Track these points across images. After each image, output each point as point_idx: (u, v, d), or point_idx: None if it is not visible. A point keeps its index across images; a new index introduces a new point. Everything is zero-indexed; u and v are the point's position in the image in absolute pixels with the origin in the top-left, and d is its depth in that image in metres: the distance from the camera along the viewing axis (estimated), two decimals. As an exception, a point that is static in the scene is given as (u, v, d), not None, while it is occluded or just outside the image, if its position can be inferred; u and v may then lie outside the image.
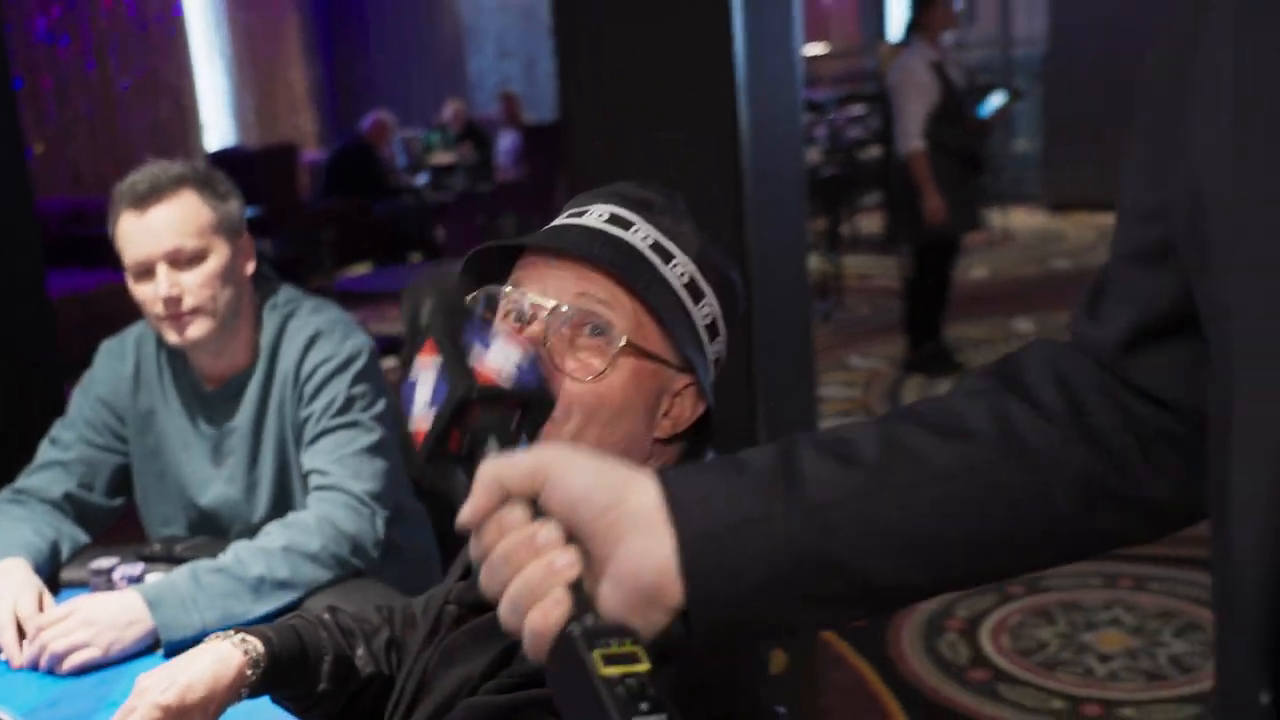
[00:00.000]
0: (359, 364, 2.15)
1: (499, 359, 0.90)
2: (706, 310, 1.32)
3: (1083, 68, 9.98)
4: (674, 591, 0.79)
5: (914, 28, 6.06)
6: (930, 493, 0.83)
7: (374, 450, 2.10)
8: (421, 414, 0.90)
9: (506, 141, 9.91)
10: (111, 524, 2.29)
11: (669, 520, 0.80)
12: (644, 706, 0.71)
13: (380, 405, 2.17)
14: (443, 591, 1.39)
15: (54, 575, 2.01)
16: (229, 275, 2.12)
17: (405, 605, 1.64)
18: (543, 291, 1.25)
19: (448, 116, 10.91)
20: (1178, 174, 0.80)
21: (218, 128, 10.93)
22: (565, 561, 0.79)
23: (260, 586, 1.88)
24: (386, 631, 1.58)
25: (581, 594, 0.79)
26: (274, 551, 1.91)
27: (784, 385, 3.83)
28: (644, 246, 1.29)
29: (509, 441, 0.88)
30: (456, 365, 0.89)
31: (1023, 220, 10.21)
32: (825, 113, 9.21)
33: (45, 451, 2.23)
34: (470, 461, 0.87)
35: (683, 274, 1.30)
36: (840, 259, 8.12)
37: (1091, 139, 9.22)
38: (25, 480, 2.19)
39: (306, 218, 8.50)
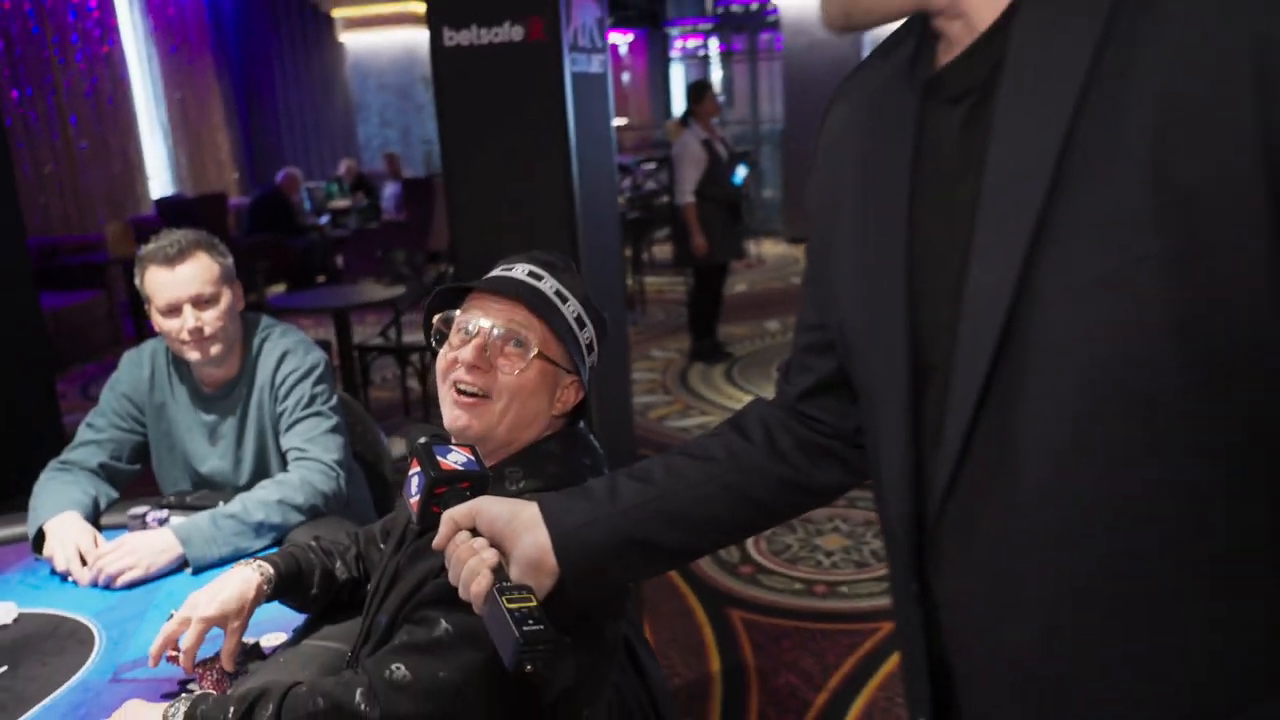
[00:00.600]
0: (318, 371, 2.20)
1: (456, 458, 1.10)
2: (587, 335, 1.44)
3: (807, 137, 10.26)
4: (551, 564, 1.00)
5: (690, 114, 6.17)
6: (691, 494, 1.04)
7: (333, 430, 2.15)
8: (413, 498, 1.10)
9: (390, 190, 9.79)
10: (131, 484, 2.28)
11: (545, 524, 1.01)
12: (530, 621, 0.93)
13: (334, 399, 2.21)
14: (403, 518, 1.47)
15: (95, 521, 2.02)
16: (232, 312, 2.15)
17: (365, 530, 1.73)
18: (485, 317, 1.36)
19: (342, 171, 10.71)
20: (830, 308, 0.95)
21: (159, 180, 10.51)
22: (489, 554, 1.00)
23: (260, 528, 1.93)
24: (354, 549, 1.69)
25: (502, 571, 0.99)
26: (270, 503, 1.96)
27: (610, 370, 3.94)
28: (550, 292, 1.40)
29: (464, 501, 1.07)
30: (429, 465, 1.07)
31: (770, 248, 10.40)
32: (629, 171, 9.34)
33: (83, 433, 2.22)
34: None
35: (573, 311, 1.42)
36: (643, 278, 8.22)
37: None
38: (68, 454, 2.18)
39: (237, 251, 8.32)
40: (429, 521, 1.08)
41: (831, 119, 0.98)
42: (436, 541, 1.05)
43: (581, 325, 1.44)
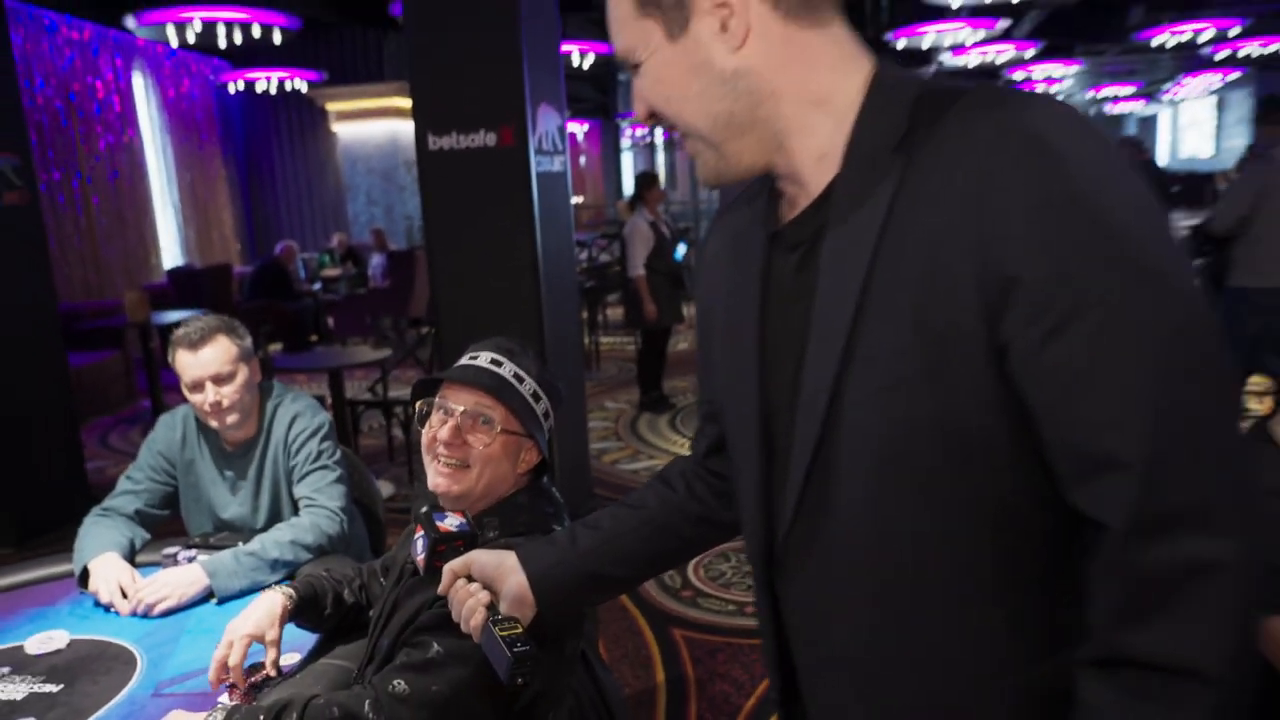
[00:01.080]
0: (324, 431, 2.27)
1: (451, 522, 1.26)
2: (543, 406, 1.53)
3: None
4: (530, 599, 1.15)
5: (638, 199, 6.32)
6: (632, 535, 1.18)
7: (337, 481, 2.22)
8: (419, 556, 1.26)
9: (376, 261, 9.84)
10: (161, 526, 2.32)
11: (523, 568, 1.16)
12: (519, 644, 1.07)
13: (338, 454, 2.28)
14: (401, 555, 1.57)
15: (132, 560, 2.07)
16: (248, 386, 2.22)
17: (367, 565, 1.81)
18: (457, 402, 1.47)
19: (334, 244, 10.76)
20: (712, 385, 1.08)
21: (170, 253, 10.49)
22: (483, 595, 1.15)
23: (275, 564, 2.00)
24: (359, 580, 1.77)
25: (494, 607, 1.15)
26: (284, 543, 2.03)
27: (569, 419, 4.06)
28: (509, 376, 1.50)
29: (459, 555, 1.22)
30: (431, 529, 1.24)
31: None
32: (586, 245, 9.50)
33: (122, 484, 2.27)
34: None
35: (530, 389, 1.51)
36: (598, 338, 8.32)
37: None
38: (109, 502, 2.24)
39: (239, 314, 8.32)
40: (433, 573, 1.23)
41: (708, 248, 1.09)
42: (440, 589, 1.20)
43: (537, 399, 1.53)
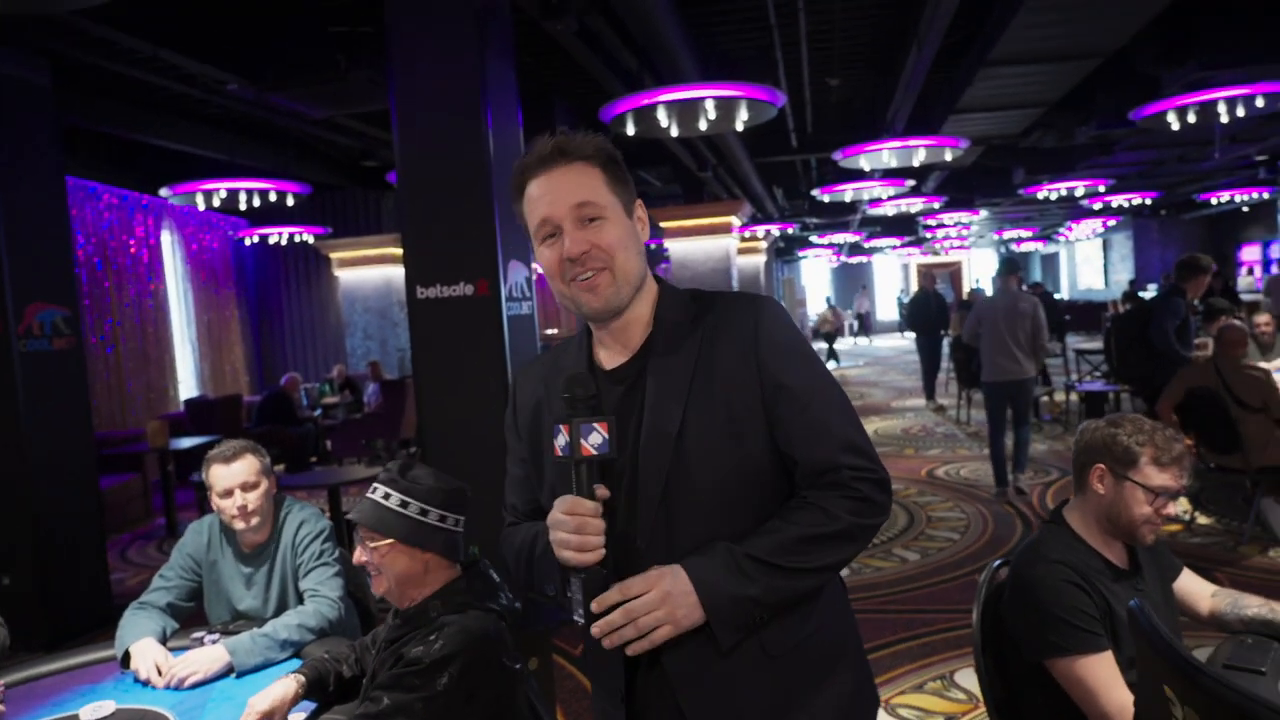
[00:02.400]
0: (325, 534, 2.48)
1: (595, 441, 1.16)
2: (435, 515, 1.75)
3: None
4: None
5: None
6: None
7: (336, 575, 2.41)
8: (559, 451, 1.18)
9: (371, 389, 10.09)
10: (188, 618, 2.48)
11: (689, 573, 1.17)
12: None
13: (337, 553, 2.48)
14: (383, 630, 1.85)
15: (164, 643, 2.22)
16: (268, 495, 2.45)
17: (360, 640, 2.03)
18: (361, 533, 1.77)
19: (334, 374, 11.01)
20: (537, 489, 1.36)
21: (186, 385, 10.68)
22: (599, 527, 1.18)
23: (285, 644, 2.18)
24: (353, 655, 1.98)
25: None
26: (293, 626, 2.21)
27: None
28: (394, 506, 1.73)
29: (594, 475, 1.18)
30: (575, 449, 1.16)
31: None
32: None
33: (156, 581, 2.45)
34: (579, 482, 1.18)
35: (416, 509, 1.73)
36: None
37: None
38: (145, 597, 2.40)
39: (249, 438, 8.46)
40: (565, 478, 1.20)
41: (523, 393, 1.40)
42: (589, 522, 1.17)
43: (425, 514, 1.74)
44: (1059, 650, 1.74)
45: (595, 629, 1.15)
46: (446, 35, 3.91)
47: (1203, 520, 5.41)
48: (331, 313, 12.68)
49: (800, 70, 7.14)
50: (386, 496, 1.76)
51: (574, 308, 1.28)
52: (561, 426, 1.18)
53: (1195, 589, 2.01)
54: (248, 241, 10.73)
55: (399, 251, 11.78)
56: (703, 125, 5.78)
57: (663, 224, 11.30)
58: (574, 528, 1.15)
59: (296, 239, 10.17)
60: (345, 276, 11.87)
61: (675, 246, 11.24)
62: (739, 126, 5.89)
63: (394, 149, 4.03)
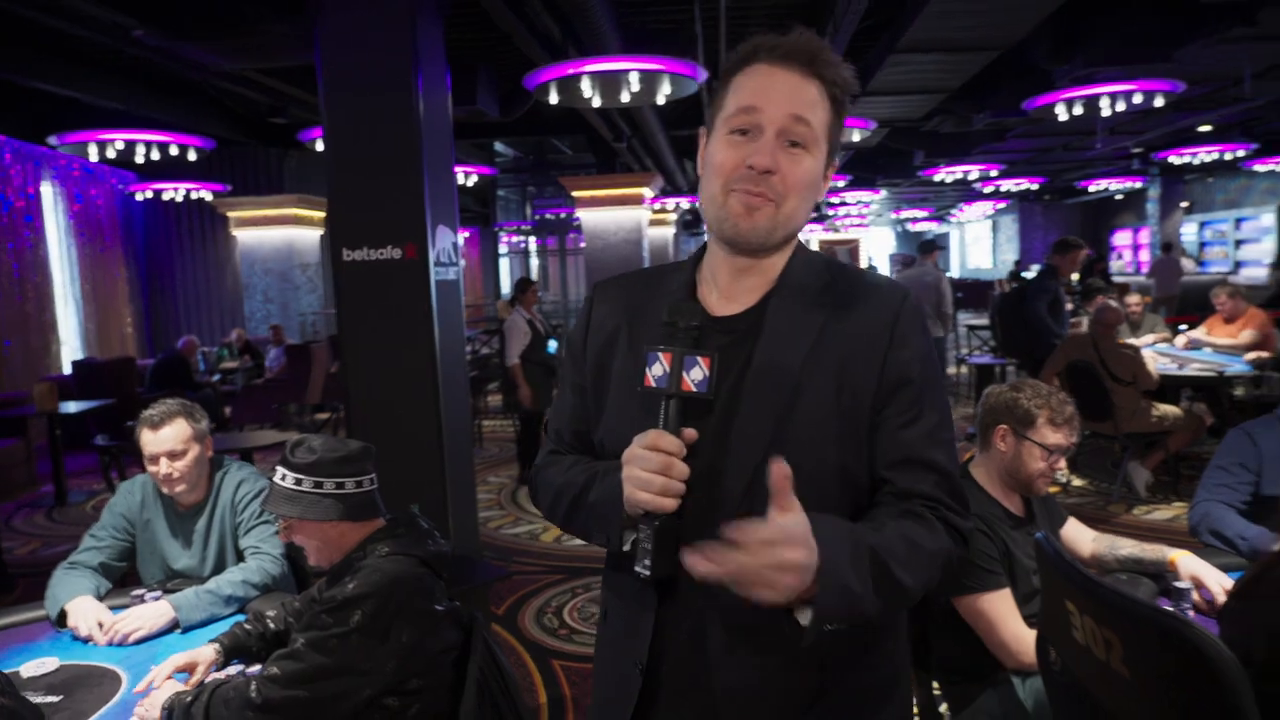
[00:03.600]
0: (266, 493, 2.48)
1: (696, 377, 1.03)
2: (332, 484, 1.80)
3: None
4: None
5: (517, 299, 6.66)
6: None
7: (274, 534, 2.42)
8: (649, 381, 1.05)
9: (274, 354, 9.82)
10: (119, 577, 2.45)
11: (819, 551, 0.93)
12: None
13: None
14: (315, 591, 1.91)
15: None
16: (199, 460, 2.42)
17: (293, 598, 2.06)
18: (281, 518, 1.85)
19: (233, 338, 10.65)
20: (595, 424, 1.20)
21: (70, 346, 10.13)
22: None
23: (229, 600, 2.19)
24: (284, 611, 2.00)
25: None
26: (236, 582, 2.23)
27: (458, 489, 4.29)
28: (289, 485, 1.80)
29: (682, 415, 1.04)
30: (675, 381, 1.04)
31: None
32: (470, 339, 9.69)
33: (87, 541, 2.41)
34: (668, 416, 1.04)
35: (309, 483, 1.79)
36: (480, 422, 8.54)
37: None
38: (75, 556, 2.37)
39: (143, 403, 8.12)
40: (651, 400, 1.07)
41: (598, 310, 1.23)
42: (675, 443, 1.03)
43: (320, 486, 1.79)
44: (965, 589, 1.95)
45: (701, 560, 0.92)
46: (376, 3, 3.85)
47: (1077, 482, 5.91)
48: (229, 274, 12.19)
49: (718, 47, 7.26)
50: (283, 478, 1.82)
51: (716, 219, 1.10)
52: (661, 354, 1.05)
53: (1079, 535, 2.27)
54: (139, 197, 10.21)
55: (303, 213, 11.45)
56: (625, 97, 5.85)
57: (575, 193, 11.31)
58: (659, 466, 1.00)
59: (194, 195, 9.73)
60: (244, 237, 11.42)
61: (588, 216, 11.27)
62: (660, 100, 5.98)
63: (320, 111, 3.94)
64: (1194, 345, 6.80)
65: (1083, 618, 1.19)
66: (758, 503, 0.95)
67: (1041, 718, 1.88)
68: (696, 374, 1.03)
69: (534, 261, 16.71)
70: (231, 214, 11.22)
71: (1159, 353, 6.48)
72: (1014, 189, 14.15)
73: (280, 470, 1.82)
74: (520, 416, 6.64)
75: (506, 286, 15.74)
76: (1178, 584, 1.92)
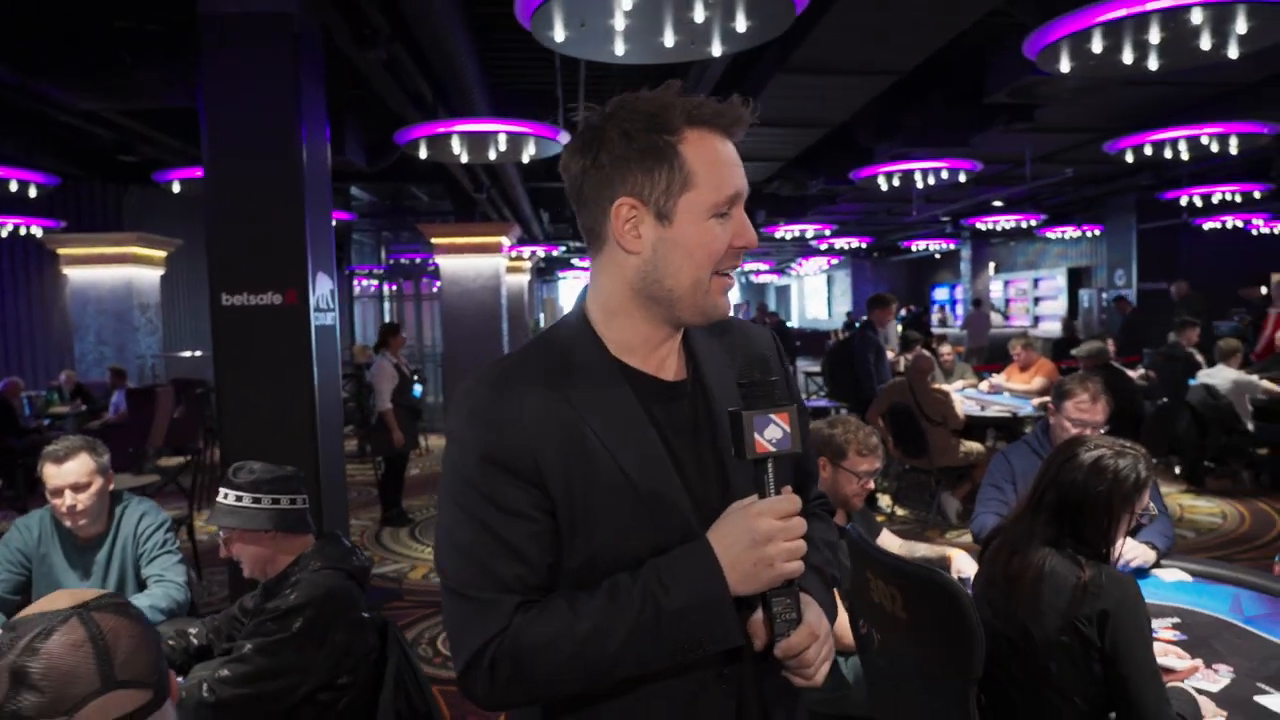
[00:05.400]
0: (166, 524, 2.64)
1: (771, 436, 1.00)
2: (268, 500, 2.05)
3: (461, 360, 10.87)
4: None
5: (382, 344, 6.77)
6: None
7: (180, 562, 2.59)
8: (774, 440, 1.00)
9: (116, 398, 9.38)
10: (13, 610, 2.43)
11: None
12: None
13: (175, 542, 2.66)
14: (236, 610, 2.16)
15: None
16: (101, 494, 2.53)
17: (225, 612, 2.28)
18: (223, 531, 2.09)
19: (62, 381, 10.08)
20: (585, 539, 1.02)
21: None
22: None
23: None
24: (204, 629, 2.24)
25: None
26: (144, 608, 2.33)
27: (334, 524, 4.43)
28: (231, 501, 2.06)
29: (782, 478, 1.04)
30: (749, 445, 1.00)
31: (436, 441, 10.72)
32: None
33: None
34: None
35: (248, 500, 2.04)
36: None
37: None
38: None
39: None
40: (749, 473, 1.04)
41: (524, 413, 1.02)
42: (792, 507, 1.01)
43: (258, 501, 2.05)
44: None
45: (800, 667, 1.01)
46: (262, 57, 4.07)
47: (900, 511, 6.66)
48: (55, 315, 11.51)
49: (578, 104, 7.80)
50: (225, 496, 2.09)
51: (693, 302, 1.05)
52: (777, 416, 1.00)
53: (889, 542, 2.80)
54: (-41, 231, 9.57)
55: (143, 251, 11.03)
56: (492, 155, 6.23)
57: (435, 240, 11.51)
58: (801, 530, 0.99)
59: (22, 232, 9.25)
60: (76, 276, 10.86)
61: (446, 262, 11.47)
62: (525, 159, 6.40)
63: (203, 157, 4.10)
64: (995, 390, 7.80)
65: (876, 581, 1.66)
66: None
67: (859, 687, 2.33)
68: (773, 433, 1.01)
69: (387, 306, 16.61)
70: (63, 251, 10.67)
71: (966, 396, 7.41)
72: (846, 246, 15.49)
73: (223, 491, 2.08)
74: (386, 459, 6.71)
75: (360, 331, 15.54)
76: (956, 575, 2.48)
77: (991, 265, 19.75)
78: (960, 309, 20.37)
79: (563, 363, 1.06)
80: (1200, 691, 1.84)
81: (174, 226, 11.54)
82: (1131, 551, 2.61)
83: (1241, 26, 3.89)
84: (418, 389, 6.78)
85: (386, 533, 6.52)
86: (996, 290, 19.72)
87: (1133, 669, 1.56)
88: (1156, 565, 2.65)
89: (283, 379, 4.17)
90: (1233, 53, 4.14)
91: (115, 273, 10.91)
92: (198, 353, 11.86)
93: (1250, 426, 6.88)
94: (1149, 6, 3.71)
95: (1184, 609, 2.36)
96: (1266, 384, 7.05)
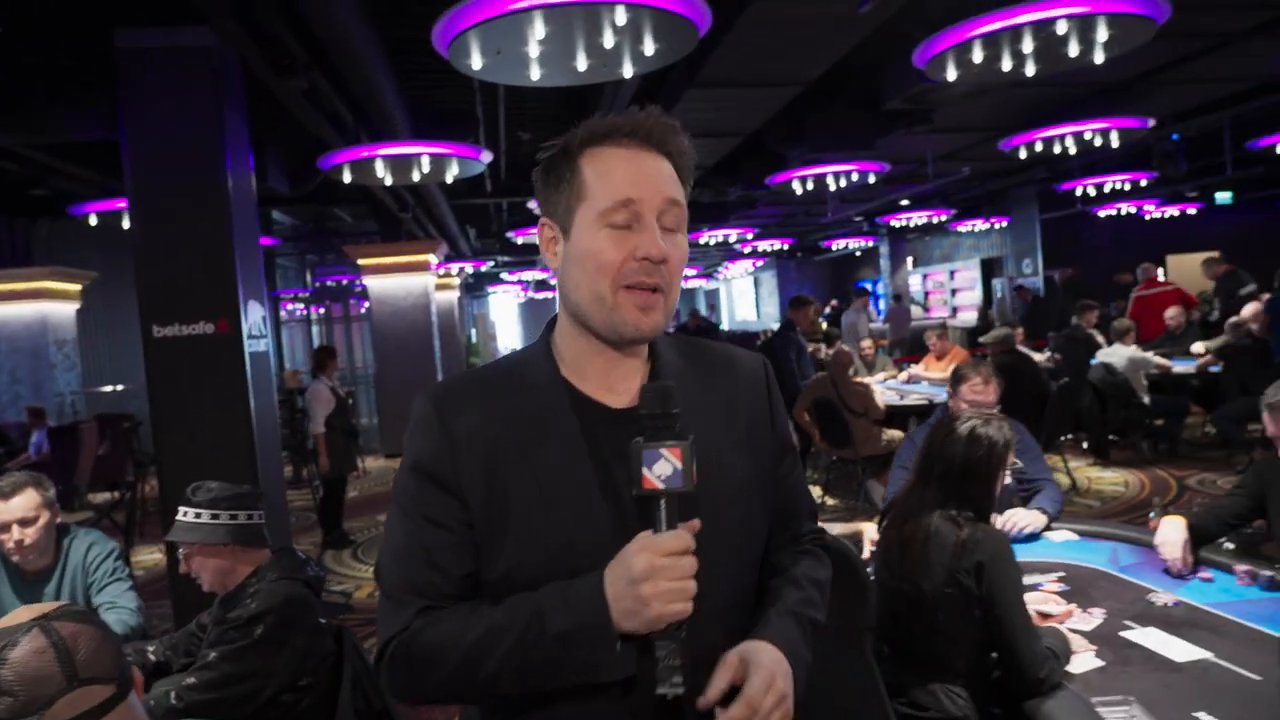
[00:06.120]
0: (116, 552, 2.70)
1: (660, 472, 0.95)
2: (226, 516, 2.16)
3: (394, 380, 10.98)
4: None
5: (319, 367, 6.77)
6: None
7: (131, 588, 2.66)
8: (662, 476, 0.96)
9: (37, 437, 9.12)
10: None
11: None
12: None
13: (125, 569, 2.71)
14: (194, 627, 2.27)
15: None
16: (48, 527, 2.59)
17: (182, 630, 2.37)
18: (183, 547, 2.21)
19: (-25, 425, 9.77)
20: (501, 551, 1.03)
21: None
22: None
23: None
24: (162, 647, 2.34)
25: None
26: None
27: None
28: (190, 518, 2.17)
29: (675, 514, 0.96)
30: (689, 469, 0.96)
31: (373, 463, 10.80)
32: None
33: None
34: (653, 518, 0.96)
35: (205, 516, 2.16)
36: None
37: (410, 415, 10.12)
38: None
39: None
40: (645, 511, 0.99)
41: (456, 424, 1.05)
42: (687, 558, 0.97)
43: (216, 517, 2.16)
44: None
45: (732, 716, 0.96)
46: (183, 89, 4.15)
47: (831, 501, 6.96)
48: (-37, 355, 11.10)
49: (497, 124, 7.93)
50: (184, 514, 2.21)
51: (604, 321, 1.04)
52: (668, 451, 0.95)
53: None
54: None
55: (57, 286, 10.75)
56: (416, 176, 6.33)
57: (361, 261, 11.48)
58: (690, 570, 0.95)
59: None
60: (-15, 313, 10.53)
61: (374, 283, 11.46)
62: (449, 179, 6.51)
63: (127, 191, 4.14)
64: (914, 379, 8.20)
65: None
66: (718, 593, 1.03)
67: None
68: (692, 463, 0.97)
69: (315, 329, 16.41)
70: (-34, 289, 10.33)
71: (887, 387, 7.78)
72: (769, 249, 15.89)
73: (183, 509, 2.19)
74: (325, 482, 6.73)
75: (289, 355, 15.33)
76: (869, 545, 2.72)
77: (910, 260, 20.45)
78: (883, 304, 21.05)
79: (513, 381, 1.09)
80: (1076, 631, 2.10)
81: (89, 259, 11.25)
82: (1025, 518, 2.90)
83: (1103, 34, 4.28)
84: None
85: (329, 555, 6.54)
86: (916, 283, 20.42)
87: (1006, 611, 1.80)
88: (1048, 529, 2.94)
89: (219, 408, 4.23)
90: (1098, 58, 4.52)
91: (28, 309, 10.62)
92: (120, 387, 11.58)
93: (1146, 400, 7.40)
94: (1019, 19, 4.06)
95: (1069, 564, 2.65)
96: (1158, 359, 7.59)
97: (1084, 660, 1.95)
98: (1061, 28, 4.13)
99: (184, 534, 2.17)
